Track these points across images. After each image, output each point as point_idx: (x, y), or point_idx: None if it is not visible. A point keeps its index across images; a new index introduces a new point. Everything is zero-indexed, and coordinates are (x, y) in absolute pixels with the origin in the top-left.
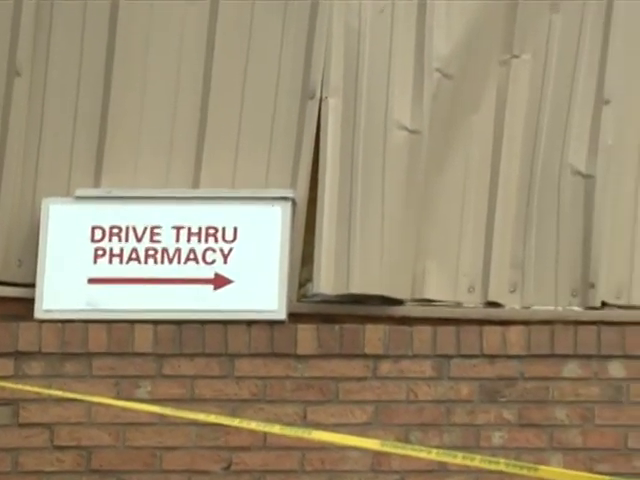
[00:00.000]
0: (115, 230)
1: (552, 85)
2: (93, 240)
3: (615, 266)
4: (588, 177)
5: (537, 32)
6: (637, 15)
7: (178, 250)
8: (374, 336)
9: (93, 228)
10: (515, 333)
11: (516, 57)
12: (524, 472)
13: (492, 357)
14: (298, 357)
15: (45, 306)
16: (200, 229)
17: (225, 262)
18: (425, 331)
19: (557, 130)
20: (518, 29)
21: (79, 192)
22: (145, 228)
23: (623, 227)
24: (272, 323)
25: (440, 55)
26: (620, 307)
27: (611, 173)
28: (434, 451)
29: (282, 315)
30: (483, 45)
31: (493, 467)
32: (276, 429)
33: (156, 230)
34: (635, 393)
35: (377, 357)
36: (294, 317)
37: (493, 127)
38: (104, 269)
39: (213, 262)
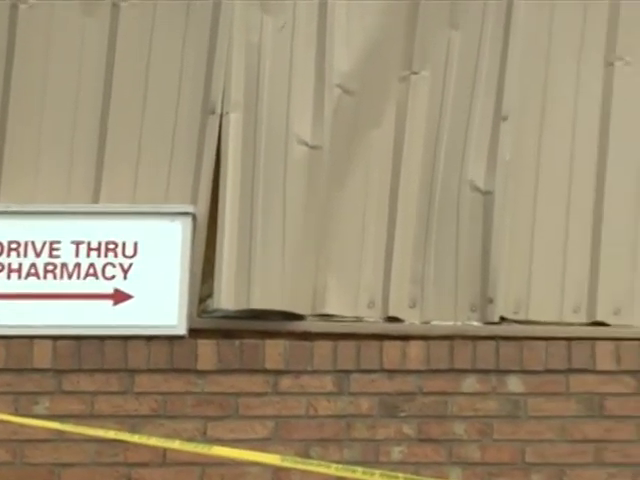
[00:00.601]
0: (13, 245)
1: (451, 101)
2: None
3: (513, 281)
4: (487, 193)
5: (436, 49)
6: (534, 33)
7: (77, 265)
8: (274, 351)
9: None
10: (414, 348)
11: (415, 73)
12: None
13: (392, 372)
14: (198, 372)
15: None
16: (100, 244)
17: (125, 277)
18: (325, 346)
19: (456, 146)
20: (417, 45)
21: None
22: (44, 243)
23: (521, 242)
24: (172, 338)
25: (341, 71)
26: (518, 322)
27: (509, 189)
28: (333, 466)
29: (182, 330)
30: (383, 61)
31: None
32: (176, 445)
33: (55, 245)
34: (533, 408)
35: (277, 372)
36: (194, 332)
37: (393, 143)
38: (2, 284)
39: (113, 277)
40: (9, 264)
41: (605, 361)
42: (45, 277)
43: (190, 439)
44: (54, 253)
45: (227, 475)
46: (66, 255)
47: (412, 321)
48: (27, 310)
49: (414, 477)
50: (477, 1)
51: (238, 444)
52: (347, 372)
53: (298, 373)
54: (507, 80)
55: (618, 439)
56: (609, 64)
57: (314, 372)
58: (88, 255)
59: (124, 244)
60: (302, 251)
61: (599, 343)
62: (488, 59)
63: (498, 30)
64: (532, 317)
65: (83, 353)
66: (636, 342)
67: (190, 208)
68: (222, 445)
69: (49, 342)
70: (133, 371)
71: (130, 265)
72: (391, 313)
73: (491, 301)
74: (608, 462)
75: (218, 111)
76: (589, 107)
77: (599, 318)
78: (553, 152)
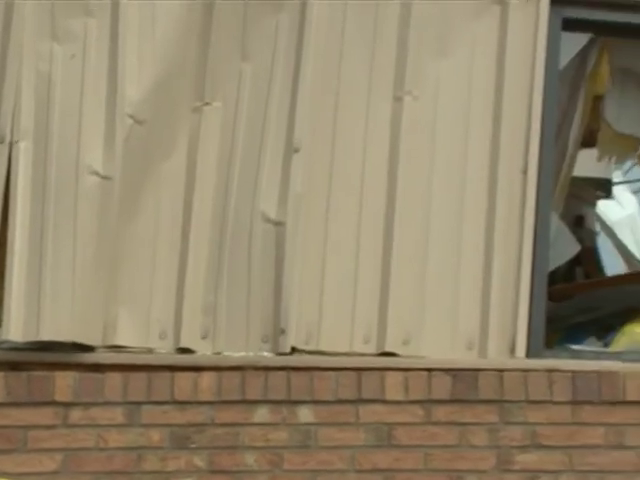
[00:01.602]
0: None
1: (243, 133)
2: None
3: (305, 312)
4: (278, 224)
5: (228, 80)
6: (325, 66)
7: None
8: (64, 383)
9: None
10: (206, 379)
11: (208, 104)
12: None
13: (183, 403)
14: None
15: None
16: None
17: None
18: (116, 377)
19: (248, 177)
20: (209, 76)
21: None
22: None
23: (312, 274)
24: None
25: (132, 101)
26: (309, 353)
27: (301, 220)
28: None
29: None
30: (175, 91)
31: None
32: None
33: None
34: (323, 437)
35: (67, 405)
36: None
37: (185, 174)
38: None
39: None
40: None
41: (394, 391)
42: None
43: None
44: None
45: None
46: None
47: (204, 352)
48: None
49: None
50: (268, 33)
51: (26, 478)
52: (138, 403)
53: (88, 405)
54: (298, 113)
55: (406, 468)
56: (398, 98)
57: (105, 404)
58: None
59: None
60: (93, 282)
61: (388, 373)
62: (279, 91)
63: (289, 63)
64: (323, 348)
65: None
66: (424, 372)
67: None
68: (9, 479)
69: None
70: None
71: None
72: (183, 344)
73: (283, 332)
74: None
75: (7, 140)
76: (378, 140)
77: (388, 349)
78: (344, 184)
